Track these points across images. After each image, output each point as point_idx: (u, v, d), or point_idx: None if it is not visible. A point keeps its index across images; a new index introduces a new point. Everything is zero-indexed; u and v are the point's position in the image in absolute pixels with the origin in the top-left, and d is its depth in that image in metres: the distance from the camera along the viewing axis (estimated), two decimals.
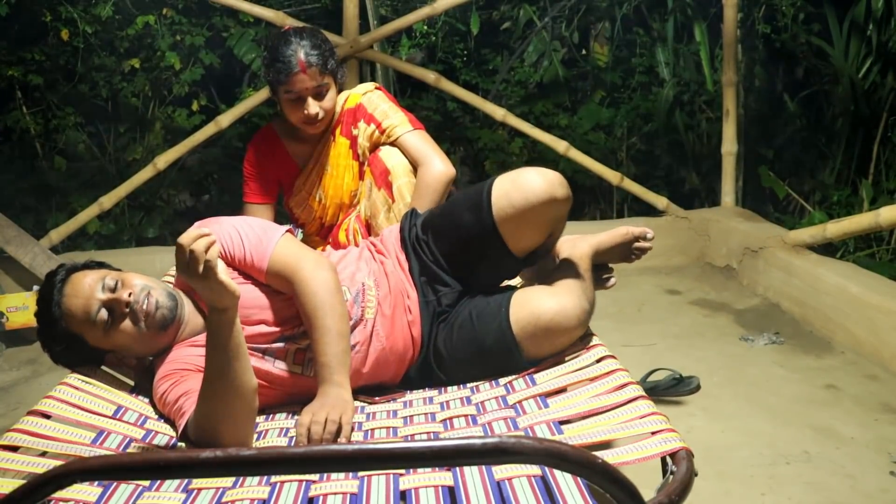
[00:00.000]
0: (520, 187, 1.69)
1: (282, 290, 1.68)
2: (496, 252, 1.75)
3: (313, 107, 2.17)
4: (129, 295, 1.59)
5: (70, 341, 1.63)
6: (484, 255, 1.77)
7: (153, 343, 1.65)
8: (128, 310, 1.59)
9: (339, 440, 1.49)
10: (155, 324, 1.61)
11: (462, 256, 1.80)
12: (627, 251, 1.93)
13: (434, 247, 1.82)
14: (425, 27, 5.01)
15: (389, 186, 2.20)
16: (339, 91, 2.29)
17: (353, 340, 1.69)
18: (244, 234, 1.69)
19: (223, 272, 1.32)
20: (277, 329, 1.67)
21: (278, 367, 1.66)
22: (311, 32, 2.22)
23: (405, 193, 2.19)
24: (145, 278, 1.65)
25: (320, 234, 2.44)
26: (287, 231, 1.73)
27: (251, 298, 1.67)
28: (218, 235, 1.64)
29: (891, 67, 4.02)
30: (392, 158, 2.23)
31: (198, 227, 1.36)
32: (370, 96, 2.30)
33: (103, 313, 1.59)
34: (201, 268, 1.30)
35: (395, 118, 2.27)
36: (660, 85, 4.65)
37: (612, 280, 1.96)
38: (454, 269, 1.81)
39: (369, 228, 2.27)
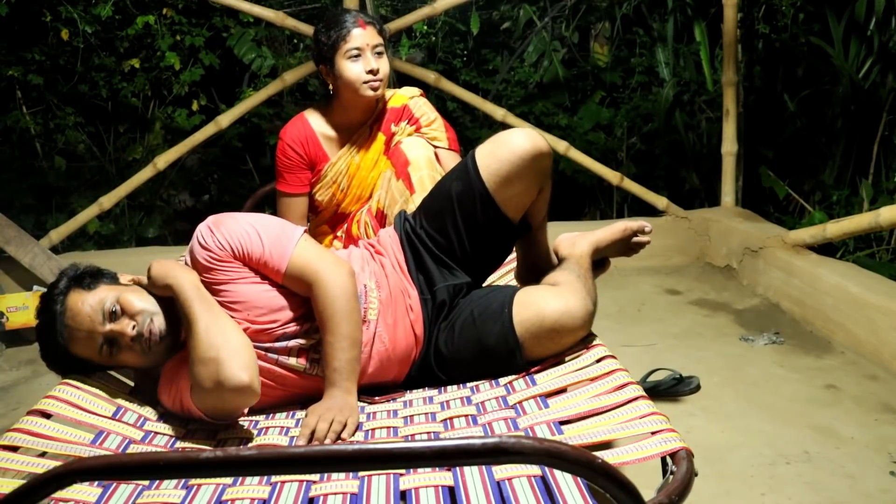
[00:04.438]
0: (503, 144, 1.73)
1: (298, 291, 1.66)
2: (490, 217, 1.76)
3: (374, 61, 2.23)
4: (133, 328, 1.58)
5: (76, 363, 1.64)
6: (478, 223, 1.77)
7: (157, 360, 1.66)
8: (132, 343, 1.59)
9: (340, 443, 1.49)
10: (160, 350, 1.62)
11: (456, 231, 1.79)
12: (626, 246, 1.93)
13: (428, 227, 1.82)
14: (425, 27, 5.02)
15: (409, 177, 2.23)
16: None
17: None
18: (262, 233, 1.65)
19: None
20: (282, 327, 1.66)
21: (282, 365, 1.66)
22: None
23: (427, 184, 2.21)
24: (145, 299, 1.62)
25: (330, 222, 2.45)
26: (304, 231, 1.71)
27: (257, 297, 1.65)
28: (234, 232, 1.64)
29: (891, 67, 4.02)
30: (413, 150, 2.26)
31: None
32: (417, 101, 2.39)
33: (107, 343, 1.59)
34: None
35: (438, 132, 2.37)
36: (660, 85, 4.65)
37: (609, 266, 1.98)
38: (450, 247, 1.80)
39: (381, 220, 2.28)
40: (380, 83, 2.24)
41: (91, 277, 1.64)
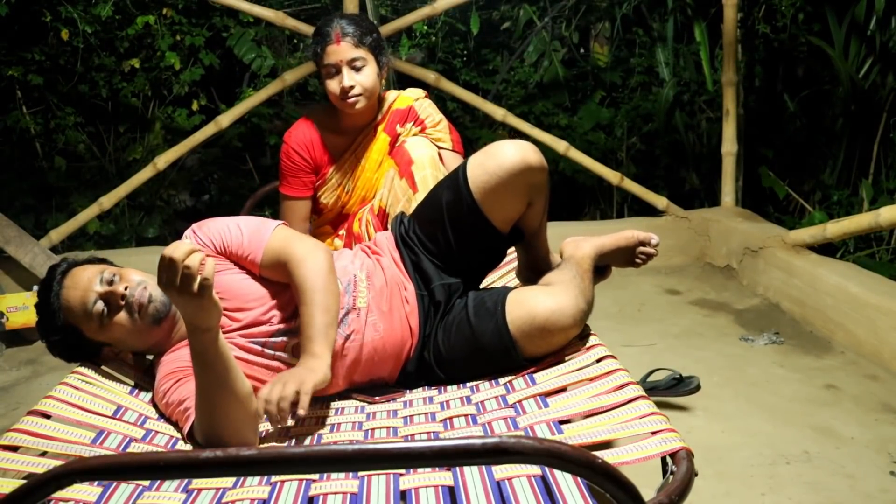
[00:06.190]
0: (493, 156, 1.73)
1: (277, 279, 1.68)
2: (478, 227, 1.77)
3: (347, 78, 2.19)
4: (125, 288, 1.62)
5: (67, 332, 1.66)
6: (467, 233, 1.78)
7: (148, 337, 1.66)
8: (123, 302, 1.62)
9: (297, 410, 1.44)
10: (148, 316, 1.63)
11: (446, 239, 1.80)
12: (631, 255, 1.94)
13: (420, 233, 1.84)
14: (425, 27, 5.02)
15: (412, 176, 2.22)
16: (383, 73, 2.29)
17: (347, 329, 1.69)
18: (242, 226, 1.70)
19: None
20: (277, 322, 1.67)
21: (276, 361, 1.67)
22: (356, 14, 2.32)
23: (430, 183, 2.20)
24: (143, 274, 1.68)
25: (333, 222, 2.45)
26: (282, 224, 1.74)
27: (251, 291, 1.68)
28: (216, 228, 1.70)
29: (891, 68, 4.02)
30: (417, 149, 2.25)
31: (183, 241, 1.36)
32: (422, 102, 2.38)
33: (99, 305, 1.62)
34: (196, 286, 1.23)
35: (442, 133, 2.36)
36: (660, 85, 4.65)
37: (609, 273, 1.98)
38: (441, 253, 1.82)
39: (383, 219, 2.28)
40: (358, 97, 2.22)
41: (99, 260, 1.74)
